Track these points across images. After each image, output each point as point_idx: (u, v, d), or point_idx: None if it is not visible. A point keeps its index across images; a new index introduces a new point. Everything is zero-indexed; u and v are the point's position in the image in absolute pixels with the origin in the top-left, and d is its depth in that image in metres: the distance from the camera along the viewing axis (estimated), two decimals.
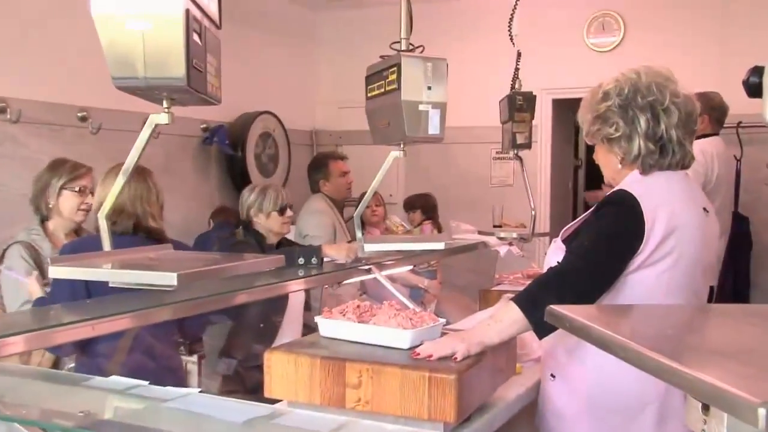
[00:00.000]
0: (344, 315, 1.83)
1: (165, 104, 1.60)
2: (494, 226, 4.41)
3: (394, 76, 2.39)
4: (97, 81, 4.61)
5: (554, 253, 1.90)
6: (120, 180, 1.65)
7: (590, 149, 2.02)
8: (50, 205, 2.94)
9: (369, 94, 2.61)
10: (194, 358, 4.18)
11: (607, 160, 1.95)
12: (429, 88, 2.39)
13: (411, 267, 3.67)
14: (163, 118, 1.60)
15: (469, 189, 6.34)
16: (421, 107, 2.39)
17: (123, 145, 4.46)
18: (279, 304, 3.10)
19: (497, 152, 6.25)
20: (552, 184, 6.27)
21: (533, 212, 3.56)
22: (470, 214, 5.18)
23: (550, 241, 5.07)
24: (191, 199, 5.46)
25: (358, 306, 1.87)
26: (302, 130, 6.85)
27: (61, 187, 2.94)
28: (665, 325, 0.98)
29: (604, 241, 1.76)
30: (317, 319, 1.87)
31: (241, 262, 1.61)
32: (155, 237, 2.45)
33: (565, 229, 1.92)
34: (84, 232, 3.04)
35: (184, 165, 5.52)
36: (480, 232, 3.84)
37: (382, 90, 2.49)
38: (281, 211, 3.44)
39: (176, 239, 2.59)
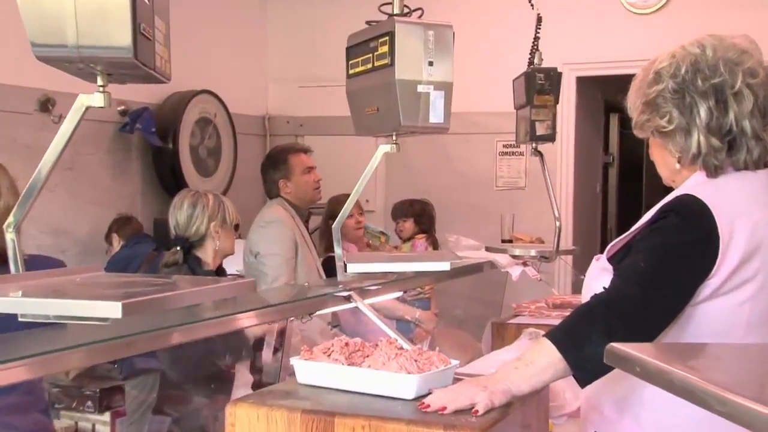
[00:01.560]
0: (329, 355, 1.84)
1: (100, 81, 1.60)
2: (503, 241, 4.43)
3: (385, 48, 2.41)
4: None
5: (598, 276, 1.92)
6: (38, 180, 1.63)
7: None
8: None
9: (351, 71, 2.62)
10: (106, 416, 4.11)
11: (662, 158, 1.97)
12: (430, 63, 2.41)
13: (399, 294, 3.69)
14: (97, 100, 1.60)
15: (468, 193, 6.38)
16: (420, 88, 2.41)
17: (11, 131, 4.44)
18: (231, 342, 3.10)
19: (505, 145, 6.30)
20: (576, 186, 6.33)
21: (558, 223, 3.57)
22: (470, 226, 5.22)
23: (574, 261, 5.05)
24: (104, 206, 5.39)
25: (347, 344, 1.88)
26: (251, 116, 6.87)
27: None
28: (766, 369, 0.99)
29: (664, 260, 1.77)
30: (293, 361, 1.87)
31: (202, 287, 1.61)
32: None
33: (612, 244, 1.94)
34: None
35: (95, 160, 5.48)
36: (488, 249, 3.85)
37: (370, 65, 2.50)
38: (236, 226, 3.44)
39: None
